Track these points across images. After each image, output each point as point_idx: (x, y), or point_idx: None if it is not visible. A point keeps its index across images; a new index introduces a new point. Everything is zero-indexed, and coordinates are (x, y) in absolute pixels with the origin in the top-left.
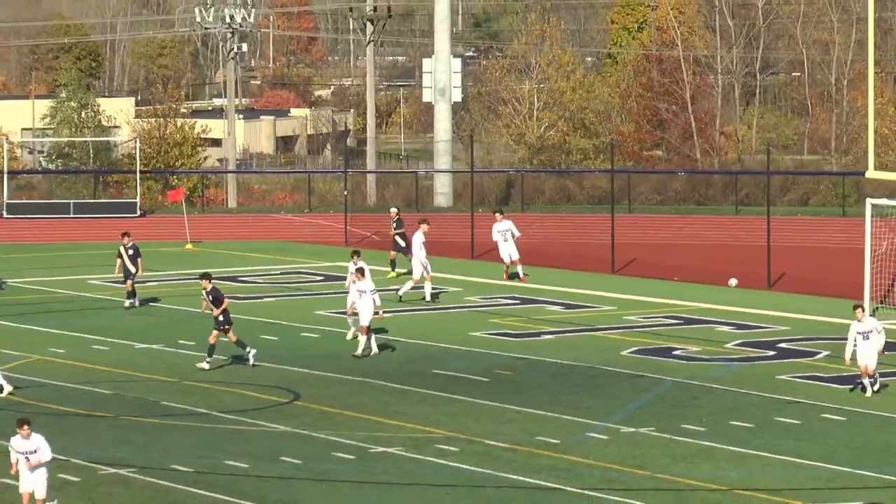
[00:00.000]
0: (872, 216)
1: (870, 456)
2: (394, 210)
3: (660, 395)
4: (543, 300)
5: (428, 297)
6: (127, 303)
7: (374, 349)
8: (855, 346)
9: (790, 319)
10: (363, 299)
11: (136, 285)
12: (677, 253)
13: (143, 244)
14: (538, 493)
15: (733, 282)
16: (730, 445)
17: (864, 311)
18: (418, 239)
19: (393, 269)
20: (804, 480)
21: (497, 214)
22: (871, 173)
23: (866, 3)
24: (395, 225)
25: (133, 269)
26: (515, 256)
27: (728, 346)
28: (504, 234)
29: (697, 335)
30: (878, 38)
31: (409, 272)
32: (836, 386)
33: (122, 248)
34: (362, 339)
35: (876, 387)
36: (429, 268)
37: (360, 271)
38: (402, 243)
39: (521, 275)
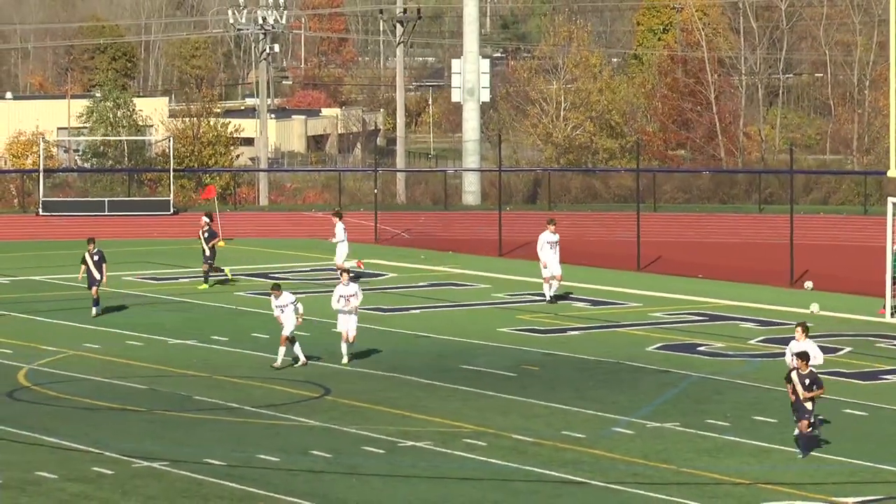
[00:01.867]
0: (894, 215)
1: (891, 451)
2: (205, 220)
3: (684, 390)
4: (569, 297)
5: (551, 296)
6: (93, 311)
7: (302, 358)
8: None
9: (812, 317)
10: (286, 312)
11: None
12: (701, 251)
13: (176, 242)
14: (564, 486)
15: (809, 284)
16: (753, 440)
17: (803, 330)
18: (543, 238)
19: (206, 281)
20: (826, 475)
21: (550, 225)
22: (893, 172)
23: (888, 5)
24: (206, 235)
25: (98, 276)
26: (558, 273)
27: (751, 342)
28: (553, 245)
29: (721, 331)
30: None
31: (224, 282)
32: (858, 382)
33: (86, 255)
34: (281, 349)
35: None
36: (550, 268)
37: (276, 287)
38: (208, 253)
39: (549, 296)
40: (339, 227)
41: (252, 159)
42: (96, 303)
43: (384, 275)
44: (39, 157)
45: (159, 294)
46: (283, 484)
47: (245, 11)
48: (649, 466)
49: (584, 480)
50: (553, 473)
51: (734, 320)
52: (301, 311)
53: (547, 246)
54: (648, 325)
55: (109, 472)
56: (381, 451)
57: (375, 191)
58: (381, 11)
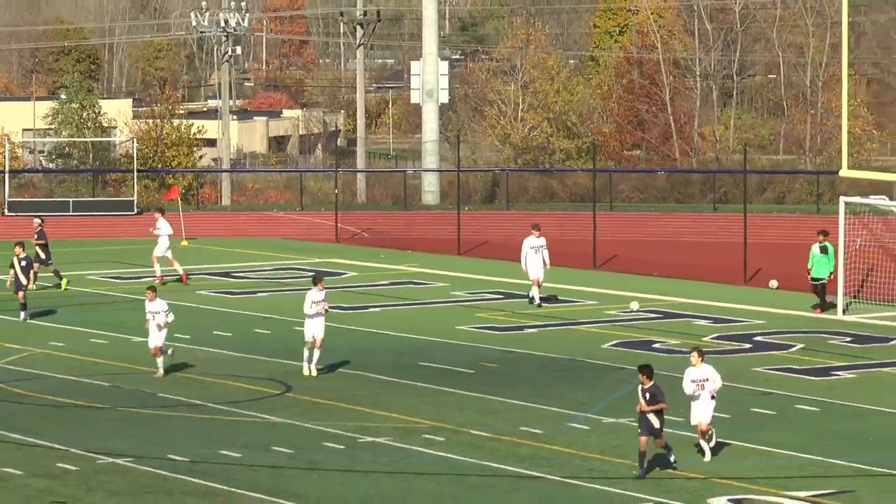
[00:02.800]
0: (846, 214)
1: (842, 445)
2: (37, 221)
3: (637, 387)
4: (526, 295)
5: (537, 301)
6: (21, 315)
7: (160, 371)
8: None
9: (765, 314)
10: (156, 319)
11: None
12: (657, 249)
13: (140, 241)
14: (521, 481)
15: (774, 283)
16: None
17: (700, 355)
18: (526, 243)
19: (34, 281)
20: (779, 469)
21: (534, 230)
22: (845, 172)
23: (840, 8)
24: (36, 236)
25: (24, 281)
26: (538, 277)
27: (706, 339)
28: (537, 250)
29: (676, 329)
30: (851, 42)
31: (57, 285)
32: (810, 378)
33: (14, 260)
34: (159, 360)
35: (712, 443)
36: (530, 273)
37: (152, 289)
38: (43, 255)
39: (538, 299)
40: (163, 222)
41: (215, 160)
42: (24, 307)
43: (344, 273)
44: (5, 157)
45: (123, 293)
46: (246, 479)
47: (207, 14)
48: (605, 461)
49: (540, 475)
50: (510, 468)
51: (689, 318)
52: (171, 320)
53: (531, 251)
54: (604, 323)
55: (74, 468)
56: (341, 447)
57: (336, 191)
58: (341, 14)
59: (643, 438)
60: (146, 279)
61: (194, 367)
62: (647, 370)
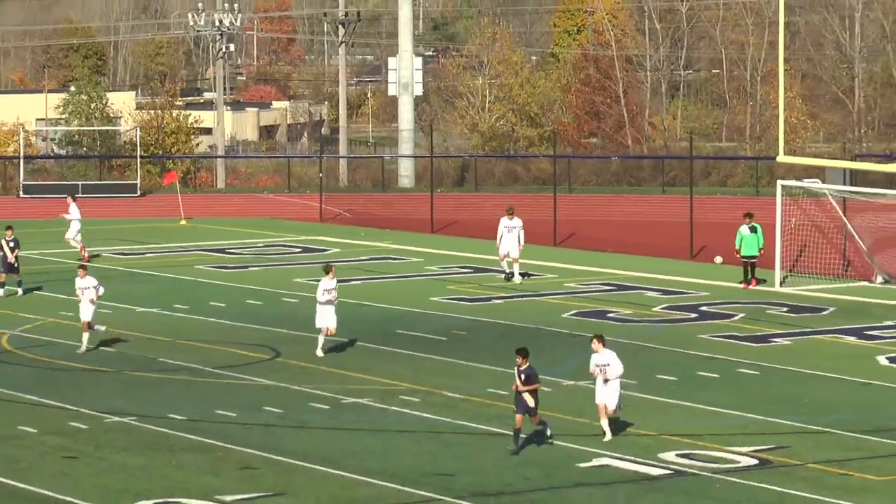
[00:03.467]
0: (782, 196)
1: (780, 406)
2: (10, 231)
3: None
4: (494, 269)
5: (513, 277)
6: (1, 291)
7: (83, 347)
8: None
9: (710, 286)
10: (86, 295)
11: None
12: (611, 228)
13: (143, 221)
14: (490, 438)
15: (719, 259)
16: (657, 396)
17: (600, 341)
18: (501, 224)
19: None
20: (722, 427)
21: (509, 212)
22: (782, 158)
23: (777, 8)
24: (13, 244)
25: (11, 261)
26: (515, 254)
27: (655, 309)
28: (511, 230)
29: (629, 300)
30: (787, 40)
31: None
32: (750, 344)
33: (3, 241)
34: (85, 335)
35: (608, 435)
36: (502, 248)
37: (83, 267)
38: (15, 264)
39: (517, 275)
40: (73, 207)
41: (210, 147)
42: (2, 285)
43: (328, 250)
44: (20, 145)
45: (126, 267)
46: (240, 437)
47: (203, 14)
48: (566, 420)
49: (507, 432)
50: (481, 426)
51: (640, 290)
52: (101, 293)
53: (505, 230)
54: (564, 295)
55: (85, 426)
56: (326, 407)
57: (320, 175)
58: (325, 14)
59: (518, 416)
60: (149, 255)
61: (186, 335)
62: (523, 352)
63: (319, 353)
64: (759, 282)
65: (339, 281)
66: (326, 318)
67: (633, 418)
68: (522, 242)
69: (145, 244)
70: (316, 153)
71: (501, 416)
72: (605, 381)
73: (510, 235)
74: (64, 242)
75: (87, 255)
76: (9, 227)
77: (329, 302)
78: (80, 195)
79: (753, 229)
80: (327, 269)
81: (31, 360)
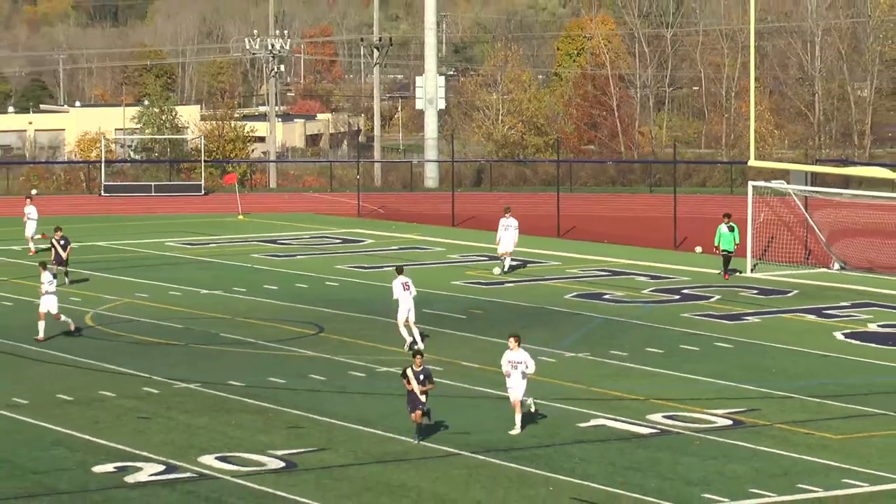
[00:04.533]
0: (753, 195)
1: (751, 374)
2: (59, 231)
3: (593, 328)
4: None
5: (506, 269)
6: (66, 280)
7: (41, 334)
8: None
9: (691, 272)
10: (44, 288)
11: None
12: (606, 222)
13: (206, 216)
14: (502, 401)
15: (699, 249)
16: (645, 366)
17: (516, 341)
18: (500, 223)
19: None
20: (701, 392)
21: (506, 211)
22: (752, 162)
23: (749, 35)
24: (62, 242)
25: (63, 256)
26: (510, 249)
27: (644, 292)
28: (508, 228)
29: (621, 284)
30: (757, 61)
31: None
32: (725, 322)
33: (53, 240)
34: (41, 323)
35: (517, 429)
36: (501, 246)
37: (43, 264)
38: (64, 257)
39: (506, 267)
40: (31, 208)
41: (264, 153)
42: (54, 276)
43: (364, 241)
44: (101, 151)
45: (193, 256)
46: (288, 400)
47: (258, 40)
48: (566, 386)
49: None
50: (494, 392)
51: (631, 275)
52: (53, 289)
53: (502, 228)
54: (566, 279)
55: (156, 391)
56: (363, 375)
57: (358, 176)
58: (361, 40)
59: (417, 413)
60: (211, 245)
61: (243, 314)
62: (419, 354)
63: (407, 347)
64: (732, 274)
65: (373, 267)
66: (406, 311)
67: (625, 384)
68: (516, 240)
69: (208, 236)
70: (354, 158)
71: None
72: (520, 376)
73: (507, 233)
74: (27, 241)
75: (34, 249)
76: (58, 228)
77: (410, 295)
78: (152, 194)
79: (731, 228)
80: (399, 270)
81: (111, 334)
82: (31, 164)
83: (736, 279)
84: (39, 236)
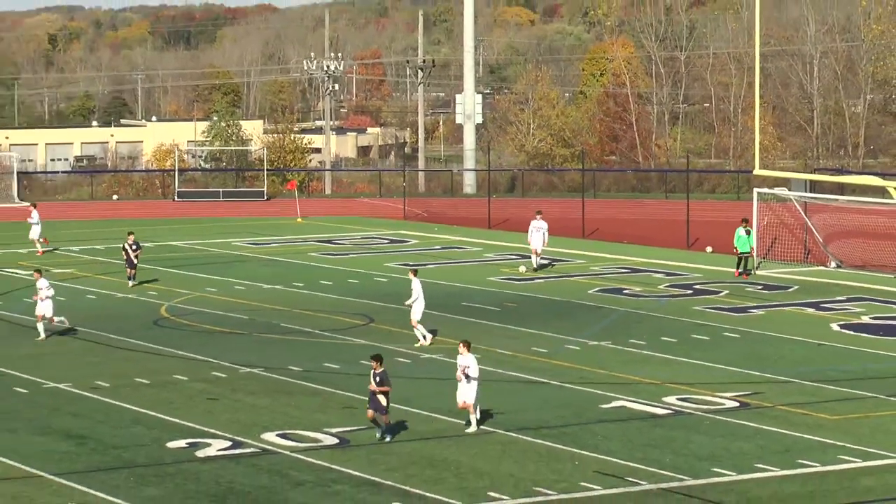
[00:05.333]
0: (758, 200)
1: (755, 361)
2: (131, 235)
3: (614, 320)
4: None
5: (535, 267)
6: (130, 283)
7: (41, 334)
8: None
9: (702, 269)
10: (40, 294)
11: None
12: (626, 225)
13: (268, 219)
14: (532, 385)
15: (709, 249)
16: (661, 354)
17: (465, 346)
18: (531, 225)
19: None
20: (711, 378)
21: (537, 214)
22: (757, 171)
23: (754, 57)
24: (133, 247)
25: (134, 260)
26: (539, 249)
27: (660, 287)
28: (538, 230)
29: (639, 280)
30: (762, 81)
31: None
32: (733, 314)
33: (126, 244)
34: (39, 325)
35: (477, 415)
36: (532, 244)
37: (38, 270)
38: (136, 262)
39: (534, 265)
40: (35, 214)
41: (320, 162)
42: (132, 276)
43: (409, 241)
44: (175, 161)
45: (257, 254)
46: (342, 384)
47: (315, 61)
48: (590, 372)
49: (546, 381)
50: (525, 376)
51: (649, 272)
52: (51, 294)
53: (533, 230)
54: (590, 276)
55: (223, 375)
56: (408, 361)
57: (404, 184)
58: (407, 62)
59: (370, 412)
60: (273, 245)
61: (301, 306)
62: (377, 358)
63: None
64: (749, 274)
65: (419, 264)
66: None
67: (643, 370)
68: (546, 241)
69: (270, 236)
70: (400, 167)
71: (541, 369)
72: (468, 380)
73: (537, 234)
74: (33, 243)
75: (41, 250)
76: (130, 233)
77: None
78: (220, 199)
79: (748, 232)
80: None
81: (183, 324)
82: (113, 172)
83: (742, 277)
84: (42, 240)
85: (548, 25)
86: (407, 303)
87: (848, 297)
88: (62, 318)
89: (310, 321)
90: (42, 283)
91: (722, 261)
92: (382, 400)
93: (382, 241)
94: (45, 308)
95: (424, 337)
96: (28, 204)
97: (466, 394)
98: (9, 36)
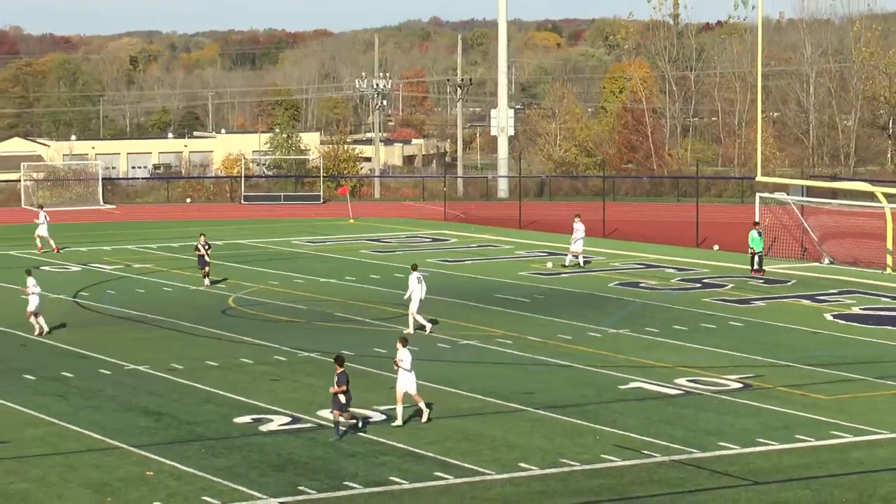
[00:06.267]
0: (760, 204)
1: (758, 347)
2: (203, 237)
3: (632, 310)
4: (563, 253)
5: (580, 262)
6: (206, 281)
7: (45, 328)
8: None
9: (709, 265)
10: (30, 291)
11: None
12: (642, 225)
13: (324, 220)
14: (559, 368)
15: (716, 247)
16: (674, 340)
17: (401, 343)
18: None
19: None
20: (718, 361)
21: (576, 218)
22: (759, 178)
23: (756, 76)
24: (206, 247)
25: (207, 259)
26: (578, 250)
27: (672, 281)
28: (576, 231)
29: (654, 275)
30: (763, 97)
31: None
32: (737, 305)
33: (199, 244)
34: (31, 320)
35: (422, 405)
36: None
37: (28, 271)
38: (208, 259)
39: (567, 262)
40: (42, 215)
41: (370, 170)
42: (206, 275)
43: (449, 240)
44: (241, 168)
45: (314, 251)
46: (388, 366)
47: (366, 80)
48: (610, 356)
49: (570, 364)
50: (552, 360)
51: (662, 268)
52: (38, 291)
53: (576, 232)
54: (609, 271)
55: (284, 359)
56: (448, 346)
57: (444, 189)
58: (448, 80)
59: (335, 412)
60: (328, 243)
61: (353, 297)
62: (339, 360)
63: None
64: (764, 272)
65: (456, 261)
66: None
67: (657, 355)
68: (581, 239)
69: (326, 235)
70: (441, 174)
71: (566, 353)
72: (405, 371)
73: (576, 235)
74: (46, 240)
75: (56, 248)
76: (202, 234)
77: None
78: (282, 202)
79: (760, 233)
80: (414, 267)
81: (249, 314)
82: (186, 178)
83: (746, 271)
84: (45, 235)
85: (573, 48)
86: (405, 297)
87: (840, 290)
88: (42, 322)
89: (360, 311)
90: (31, 282)
91: (728, 257)
92: (342, 398)
93: (425, 239)
94: (32, 303)
95: (423, 328)
96: (37, 207)
97: (406, 384)
98: (95, 58)
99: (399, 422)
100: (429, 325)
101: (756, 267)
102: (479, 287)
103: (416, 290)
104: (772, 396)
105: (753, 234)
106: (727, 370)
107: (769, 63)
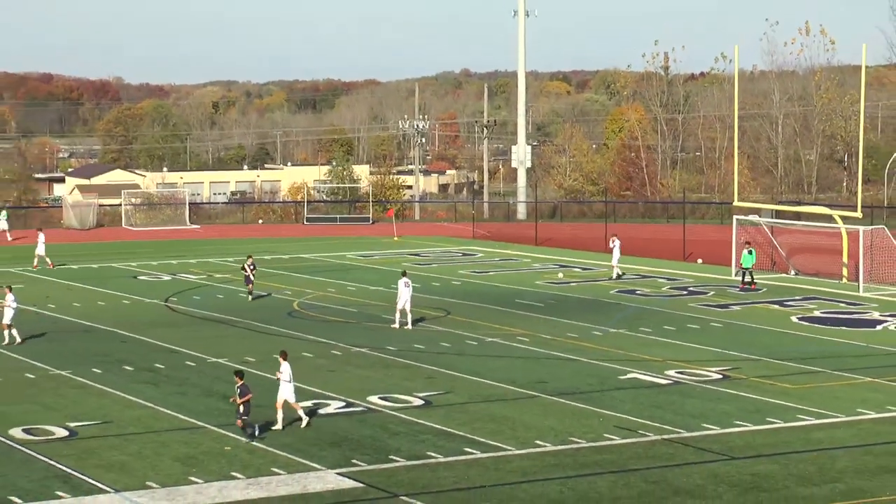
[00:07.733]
0: (736, 225)
1: (735, 343)
2: (250, 258)
3: (629, 313)
4: (573, 265)
5: (614, 277)
6: (249, 297)
7: (18, 339)
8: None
9: (694, 276)
10: (7, 304)
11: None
12: (637, 244)
13: (372, 238)
14: (567, 361)
15: (699, 261)
16: (664, 338)
17: (281, 356)
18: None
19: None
20: (701, 356)
21: (614, 237)
22: (736, 203)
23: (733, 118)
24: (251, 267)
25: (252, 278)
26: (614, 264)
27: (663, 289)
28: (612, 249)
29: (647, 284)
30: (740, 136)
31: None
32: (717, 309)
33: (245, 265)
34: (4, 332)
35: (301, 412)
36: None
37: (9, 287)
38: (252, 278)
39: (614, 275)
40: (41, 235)
41: (412, 196)
42: (250, 292)
43: (477, 254)
44: (304, 195)
45: (366, 264)
46: (425, 359)
47: (408, 121)
48: (610, 351)
49: (576, 358)
50: (562, 355)
51: (654, 278)
52: (14, 306)
53: (615, 249)
54: (610, 280)
55: (339, 353)
56: (476, 343)
57: (472, 211)
58: (475, 122)
59: (238, 421)
60: (376, 257)
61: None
62: (239, 374)
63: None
64: (756, 287)
65: (482, 272)
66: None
67: (651, 351)
68: (619, 256)
69: (374, 251)
70: (470, 199)
71: (574, 349)
72: (285, 382)
73: (614, 252)
74: (43, 259)
75: (52, 264)
76: (249, 256)
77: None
78: (337, 223)
79: (750, 252)
80: (403, 273)
81: (310, 315)
82: (258, 203)
83: (724, 281)
84: (42, 254)
85: (580, 95)
86: (396, 300)
87: (804, 296)
88: (14, 333)
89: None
90: (9, 299)
91: (709, 270)
92: (241, 408)
93: (456, 254)
94: (7, 316)
95: (406, 324)
96: (37, 229)
97: (285, 394)
98: (183, 103)
99: (279, 426)
100: (409, 325)
101: (747, 280)
102: (502, 294)
103: (404, 292)
104: (747, 385)
105: (745, 252)
106: (709, 363)
107: (744, 107)
